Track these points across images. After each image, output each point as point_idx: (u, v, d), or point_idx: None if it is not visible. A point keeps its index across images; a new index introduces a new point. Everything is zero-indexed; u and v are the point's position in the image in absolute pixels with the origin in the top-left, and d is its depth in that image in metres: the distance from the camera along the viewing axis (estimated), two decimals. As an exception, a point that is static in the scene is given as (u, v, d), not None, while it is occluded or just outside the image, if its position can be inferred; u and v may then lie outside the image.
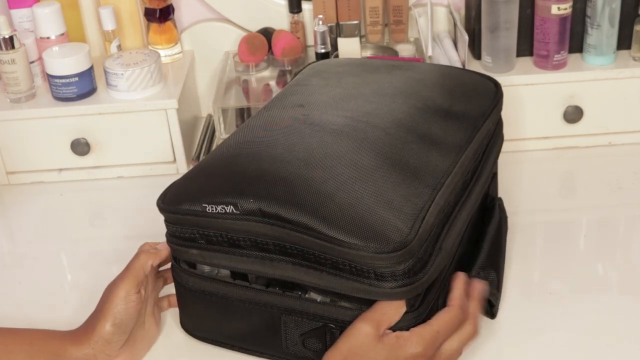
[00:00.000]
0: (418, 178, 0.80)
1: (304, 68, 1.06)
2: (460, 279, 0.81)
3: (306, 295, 0.80)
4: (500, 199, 1.01)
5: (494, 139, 0.96)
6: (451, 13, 1.26)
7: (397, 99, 0.91)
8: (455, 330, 0.77)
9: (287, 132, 0.85)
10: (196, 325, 0.87)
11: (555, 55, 1.17)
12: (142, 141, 1.21)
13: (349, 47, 1.23)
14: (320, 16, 1.24)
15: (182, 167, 1.23)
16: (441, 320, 0.76)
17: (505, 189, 1.06)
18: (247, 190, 0.77)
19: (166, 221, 0.82)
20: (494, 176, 0.99)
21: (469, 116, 0.90)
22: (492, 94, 0.96)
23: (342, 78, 0.98)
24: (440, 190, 0.79)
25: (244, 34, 1.32)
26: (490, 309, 0.87)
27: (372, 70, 1.00)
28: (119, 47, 1.26)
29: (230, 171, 0.80)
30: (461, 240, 0.85)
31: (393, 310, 0.75)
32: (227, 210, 0.77)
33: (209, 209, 0.78)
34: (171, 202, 0.81)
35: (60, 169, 1.24)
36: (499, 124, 0.98)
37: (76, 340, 0.81)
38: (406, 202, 0.76)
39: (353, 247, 0.72)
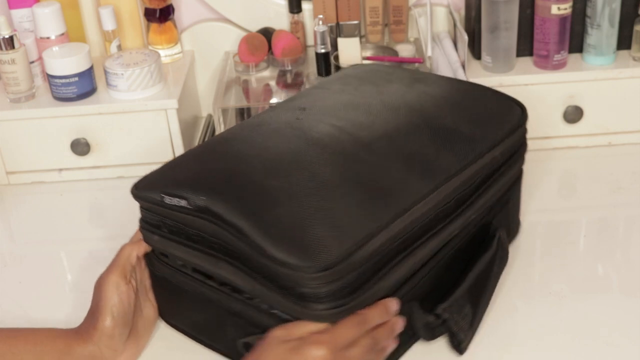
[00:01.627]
0: (384, 200, 0.75)
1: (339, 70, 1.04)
2: (383, 304, 0.75)
3: (253, 301, 0.77)
4: (502, 231, 0.91)
5: (505, 168, 0.90)
6: (451, 13, 1.26)
7: (399, 113, 0.88)
8: (356, 337, 0.72)
9: (268, 135, 0.84)
10: (165, 311, 0.88)
11: (555, 55, 1.17)
12: (142, 141, 1.21)
13: (349, 47, 1.23)
14: (320, 16, 1.24)
15: (182, 167, 1.23)
16: (341, 326, 0.72)
17: (505, 189, 1.06)
18: (201, 187, 0.77)
19: (140, 206, 0.83)
20: (504, 204, 0.93)
21: (473, 141, 0.85)
22: (513, 123, 0.90)
23: (361, 85, 0.96)
24: (402, 216, 0.74)
25: (244, 34, 1.32)
26: (459, 344, 0.82)
27: (394, 80, 0.97)
28: (119, 47, 1.26)
29: (197, 166, 0.81)
30: (429, 271, 0.81)
31: (312, 325, 0.72)
32: (181, 204, 0.77)
33: (167, 200, 0.78)
34: (141, 188, 0.82)
35: (60, 169, 1.24)
36: (517, 153, 0.92)
37: (80, 338, 0.81)
38: (354, 224, 0.72)
39: (274, 259, 0.69)
